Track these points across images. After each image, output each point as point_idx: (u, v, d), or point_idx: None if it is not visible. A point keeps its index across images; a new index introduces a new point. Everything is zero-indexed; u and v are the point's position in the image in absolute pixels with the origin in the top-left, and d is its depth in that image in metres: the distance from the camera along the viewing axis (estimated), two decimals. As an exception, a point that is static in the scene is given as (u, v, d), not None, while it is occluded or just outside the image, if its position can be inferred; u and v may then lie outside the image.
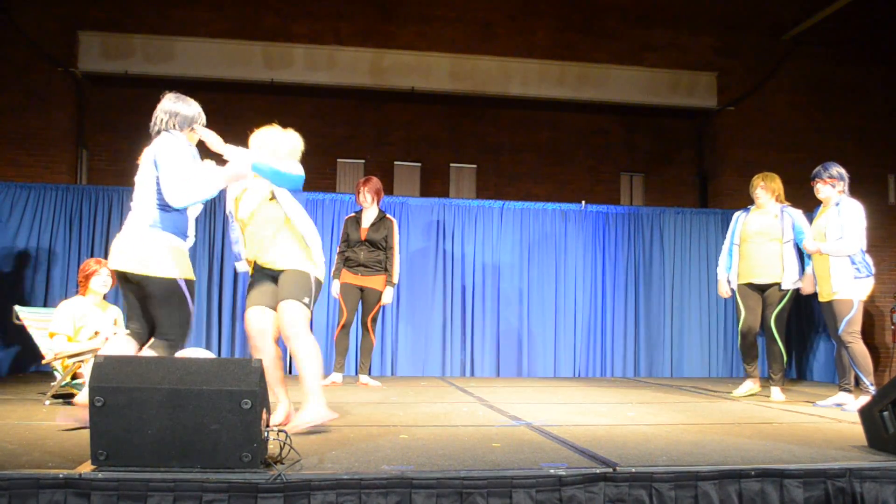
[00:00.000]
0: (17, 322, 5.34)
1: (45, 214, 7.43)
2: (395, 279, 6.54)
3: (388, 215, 6.62)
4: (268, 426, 2.94)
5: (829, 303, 5.41)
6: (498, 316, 8.09)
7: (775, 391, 5.98)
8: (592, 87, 10.56)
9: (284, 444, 3.01)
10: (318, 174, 9.88)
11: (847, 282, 5.30)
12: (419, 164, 10.78)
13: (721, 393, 6.41)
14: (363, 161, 10.67)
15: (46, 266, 7.36)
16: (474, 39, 10.47)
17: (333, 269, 6.55)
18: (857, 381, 5.38)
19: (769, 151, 10.69)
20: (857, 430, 3.81)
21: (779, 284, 5.99)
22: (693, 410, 5.15)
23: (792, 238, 6.02)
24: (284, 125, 4.25)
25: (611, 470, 2.95)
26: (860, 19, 10.68)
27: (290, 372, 7.64)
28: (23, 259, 7.32)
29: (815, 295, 5.75)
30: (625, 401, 5.69)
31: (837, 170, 5.45)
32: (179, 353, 4.88)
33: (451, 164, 10.90)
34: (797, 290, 6.04)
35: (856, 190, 5.53)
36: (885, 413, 3.45)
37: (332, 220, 7.88)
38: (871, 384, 5.21)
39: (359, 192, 6.56)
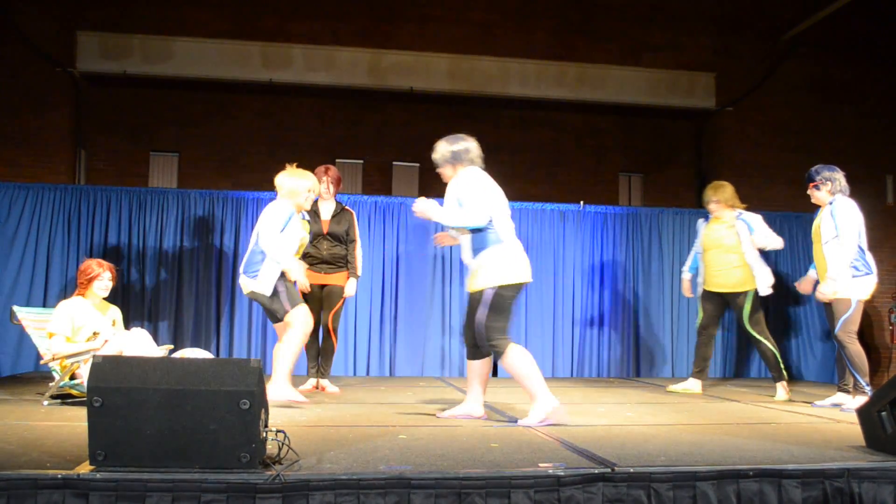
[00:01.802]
0: (15, 322, 5.34)
1: (43, 215, 7.43)
2: (359, 272, 6.11)
3: (346, 206, 6.19)
4: (266, 426, 2.94)
5: (829, 302, 5.39)
6: (496, 316, 8.07)
7: (779, 390, 6.02)
8: (591, 87, 10.56)
9: (283, 444, 3.01)
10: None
11: (847, 281, 5.26)
12: (417, 165, 10.77)
13: (719, 393, 6.41)
14: (361, 161, 10.67)
15: (45, 266, 7.36)
16: (473, 40, 10.47)
17: (288, 263, 6.18)
18: (854, 382, 5.37)
19: (767, 152, 10.71)
20: (855, 431, 3.81)
21: (741, 293, 6.18)
22: (691, 411, 5.15)
23: (752, 245, 6.17)
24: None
25: (609, 470, 2.95)
26: (858, 20, 10.69)
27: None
28: (21, 259, 7.31)
29: (809, 295, 5.78)
30: (623, 401, 5.70)
31: (824, 172, 5.42)
32: (178, 354, 4.90)
33: (450, 165, 10.89)
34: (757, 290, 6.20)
35: (853, 190, 5.53)
36: (883, 413, 3.45)
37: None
38: (868, 384, 5.20)
39: (320, 181, 5.97)
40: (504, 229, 4.33)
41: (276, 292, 4.92)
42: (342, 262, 6.00)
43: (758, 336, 6.14)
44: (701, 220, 6.62)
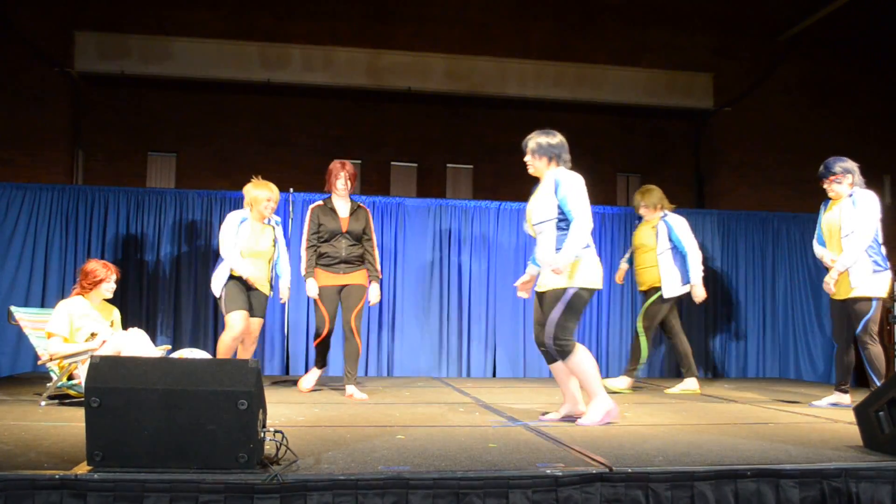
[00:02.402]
0: (13, 322, 5.33)
1: (41, 215, 7.41)
2: (380, 273, 5.91)
3: (361, 204, 5.97)
4: (264, 427, 2.94)
5: (846, 301, 5.18)
6: (495, 316, 8.08)
7: (623, 380, 6.35)
8: (589, 87, 10.57)
9: (281, 444, 3.01)
10: (315, 174, 9.86)
11: (866, 277, 5.07)
12: (415, 165, 10.78)
13: (716, 393, 6.41)
14: (359, 161, 10.65)
15: (43, 267, 7.34)
16: (471, 40, 10.48)
17: (305, 266, 5.70)
18: (868, 383, 5.24)
19: (765, 152, 10.72)
20: (853, 431, 3.81)
21: (655, 289, 6.42)
22: (689, 411, 5.15)
23: (669, 247, 6.39)
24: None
25: (607, 470, 2.95)
26: (856, 20, 10.71)
27: (288, 372, 7.65)
28: (19, 260, 7.29)
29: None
30: (621, 401, 5.69)
31: (840, 165, 5.28)
32: (175, 354, 4.89)
33: (448, 165, 10.90)
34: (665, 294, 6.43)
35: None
36: (881, 413, 3.45)
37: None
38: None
39: (337, 177, 5.79)
40: (589, 233, 4.38)
41: (221, 295, 5.56)
42: (360, 262, 5.76)
43: (641, 331, 6.41)
44: (637, 221, 6.89)
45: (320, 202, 5.84)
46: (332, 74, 10.07)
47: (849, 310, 5.20)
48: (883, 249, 5.22)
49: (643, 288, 6.62)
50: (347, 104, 10.59)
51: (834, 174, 5.29)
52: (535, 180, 4.62)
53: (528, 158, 4.50)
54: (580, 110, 10.91)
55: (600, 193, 10.93)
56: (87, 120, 10.02)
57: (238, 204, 7.73)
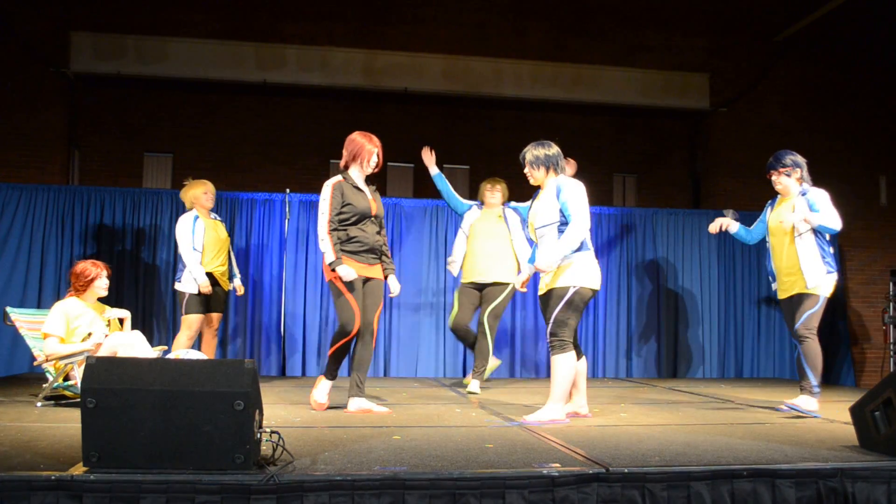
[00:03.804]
0: (8, 323, 5.32)
1: (37, 215, 7.41)
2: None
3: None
4: (260, 427, 2.94)
5: (797, 296, 5.09)
6: (491, 317, 8.08)
7: (474, 384, 6.15)
8: (585, 87, 10.57)
9: (277, 445, 3.01)
10: (311, 175, 9.87)
11: (820, 277, 5.00)
12: (412, 165, 10.77)
13: (713, 393, 6.42)
14: (356, 162, 10.64)
15: (39, 267, 7.34)
16: (467, 40, 10.48)
17: (332, 250, 4.64)
18: (801, 377, 5.05)
19: (761, 152, 10.64)
20: (848, 431, 3.83)
21: (501, 282, 6.24)
22: (685, 411, 5.16)
23: (522, 236, 6.38)
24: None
25: (604, 470, 2.96)
26: (851, 21, 10.72)
27: (285, 372, 7.64)
28: (14, 260, 7.29)
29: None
30: (617, 401, 5.70)
31: (791, 157, 5.19)
32: (172, 355, 4.89)
33: (445, 165, 10.88)
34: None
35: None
36: (877, 413, 3.47)
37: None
38: (817, 385, 4.95)
39: (371, 153, 4.85)
40: (587, 237, 4.54)
41: (185, 294, 6.01)
42: (380, 253, 4.94)
43: (489, 331, 6.20)
44: (472, 209, 6.76)
45: (340, 178, 4.83)
46: (329, 75, 10.06)
47: (795, 304, 5.11)
48: (831, 250, 5.13)
49: (490, 280, 6.23)
50: (344, 105, 10.58)
51: (784, 166, 5.19)
52: (531, 182, 4.70)
53: (527, 170, 4.68)
54: (576, 111, 10.92)
55: (596, 194, 10.89)
56: (84, 120, 9.99)
57: (234, 205, 7.74)
